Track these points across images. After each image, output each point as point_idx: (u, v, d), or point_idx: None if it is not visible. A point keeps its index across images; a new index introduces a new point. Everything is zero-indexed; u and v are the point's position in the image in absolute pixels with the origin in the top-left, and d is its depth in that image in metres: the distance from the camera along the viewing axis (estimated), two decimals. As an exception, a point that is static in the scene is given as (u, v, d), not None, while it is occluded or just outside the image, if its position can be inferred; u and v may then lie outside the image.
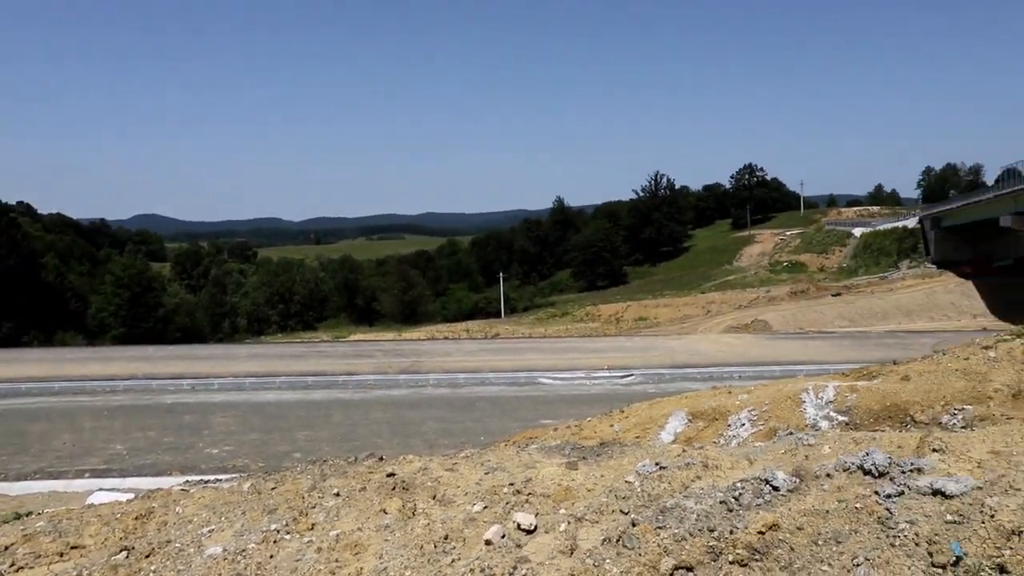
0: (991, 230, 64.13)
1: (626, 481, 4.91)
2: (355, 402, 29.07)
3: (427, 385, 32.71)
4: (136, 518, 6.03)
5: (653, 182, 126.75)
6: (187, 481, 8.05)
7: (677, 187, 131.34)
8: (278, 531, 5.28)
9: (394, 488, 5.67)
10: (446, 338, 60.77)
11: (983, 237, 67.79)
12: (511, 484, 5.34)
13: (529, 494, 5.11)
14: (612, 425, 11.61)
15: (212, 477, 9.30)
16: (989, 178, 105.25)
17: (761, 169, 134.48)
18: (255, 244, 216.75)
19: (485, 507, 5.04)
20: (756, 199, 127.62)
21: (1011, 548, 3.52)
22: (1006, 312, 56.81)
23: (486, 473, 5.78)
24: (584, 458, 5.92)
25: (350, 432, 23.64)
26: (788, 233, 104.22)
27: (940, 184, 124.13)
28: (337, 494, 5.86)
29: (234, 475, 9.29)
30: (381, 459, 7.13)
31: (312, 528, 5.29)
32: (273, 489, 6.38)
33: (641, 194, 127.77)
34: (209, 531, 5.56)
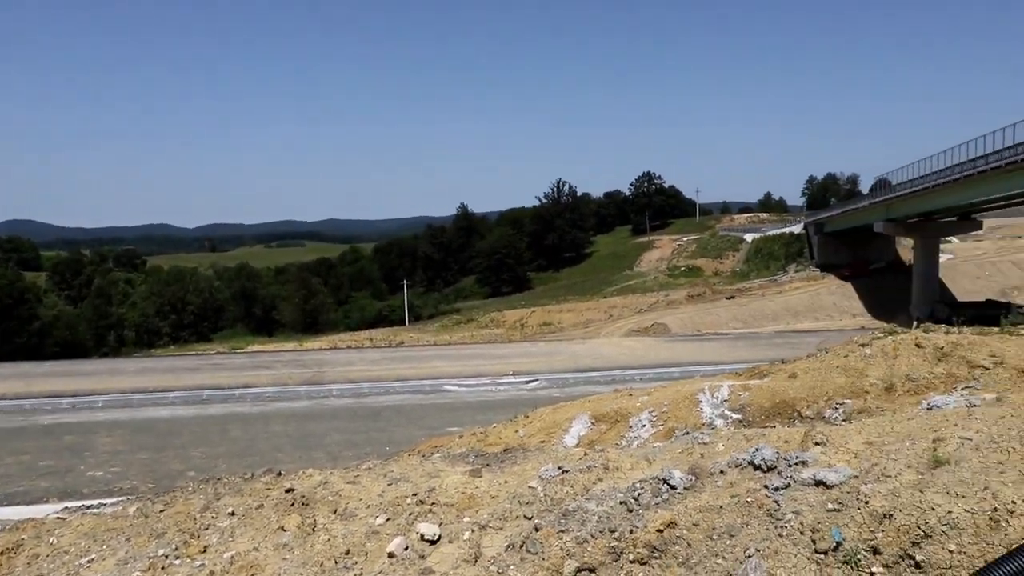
0: (867, 235, 69.15)
1: (529, 486, 4.93)
2: (254, 416, 27.96)
3: (330, 396, 31.89)
4: (1, 553, 5.55)
5: (556, 189, 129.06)
6: (65, 508, 7.49)
7: (579, 194, 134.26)
8: (166, 556, 4.99)
9: (293, 504, 5.49)
10: (349, 347, 59.48)
11: (860, 242, 72.84)
12: (414, 494, 5.27)
13: (433, 504, 5.05)
14: (517, 431, 11.68)
15: (95, 502, 8.70)
16: (865, 187, 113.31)
17: (659, 177, 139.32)
18: (144, 252, 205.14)
19: (388, 519, 4.95)
20: (655, 206, 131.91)
21: (883, 531, 3.76)
22: (880, 311, 61.24)
23: (389, 484, 5.68)
24: (488, 465, 5.91)
25: (249, 447, 22.71)
26: (685, 239, 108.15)
27: (822, 192, 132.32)
28: (232, 513, 5.61)
29: (120, 498, 8.72)
30: (279, 474, 6.88)
31: (204, 551, 5.03)
32: (162, 511, 6.03)
33: (544, 201, 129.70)
34: (88, 561, 5.20)
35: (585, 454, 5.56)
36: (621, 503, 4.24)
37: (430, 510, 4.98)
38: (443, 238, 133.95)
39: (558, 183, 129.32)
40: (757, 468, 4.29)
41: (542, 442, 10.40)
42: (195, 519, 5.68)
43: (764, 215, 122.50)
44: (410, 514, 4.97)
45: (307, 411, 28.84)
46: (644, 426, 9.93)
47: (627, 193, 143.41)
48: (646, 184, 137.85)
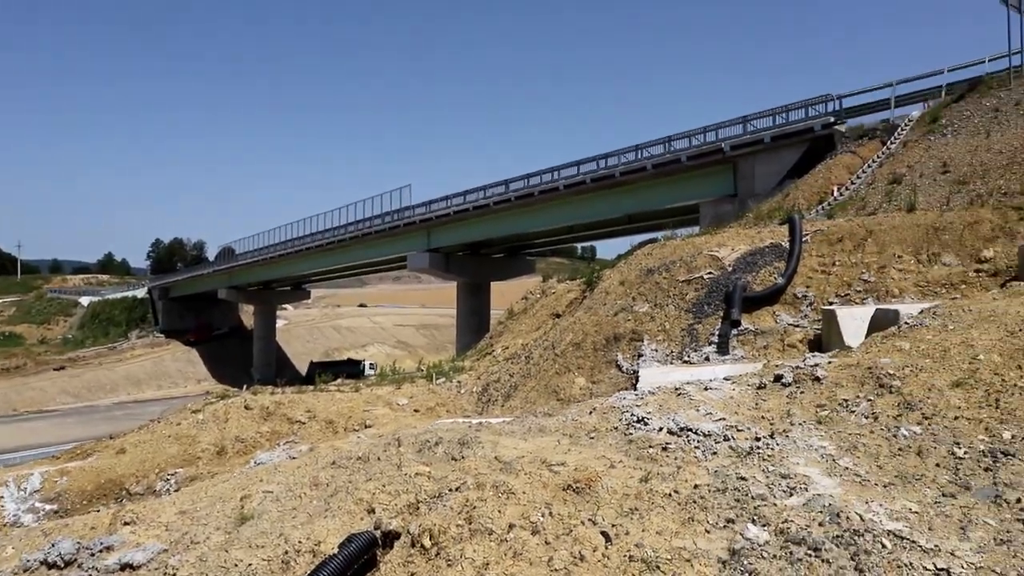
0: (212, 301, 71.34)
1: None
2: None
3: None
4: None
5: None
6: None
7: None
8: None
9: None
10: None
11: (205, 307, 74.58)
12: None
13: None
14: None
15: None
16: (212, 253, 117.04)
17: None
18: None
19: None
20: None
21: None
22: (225, 375, 63.42)
23: None
24: None
25: None
26: (2, 301, 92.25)
27: (169, 256, 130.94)
28: None
29: None
30: None
31: None
32: None
33: None
34: None
35: None
36: None
37: None
38: None
39: None
40: (53, 566, 3.84)
41: None
42: None
43: (104, 277, 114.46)
44: None
45: None
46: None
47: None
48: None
